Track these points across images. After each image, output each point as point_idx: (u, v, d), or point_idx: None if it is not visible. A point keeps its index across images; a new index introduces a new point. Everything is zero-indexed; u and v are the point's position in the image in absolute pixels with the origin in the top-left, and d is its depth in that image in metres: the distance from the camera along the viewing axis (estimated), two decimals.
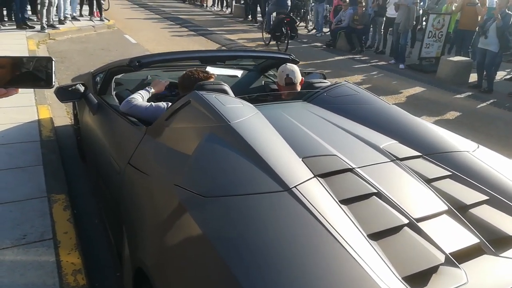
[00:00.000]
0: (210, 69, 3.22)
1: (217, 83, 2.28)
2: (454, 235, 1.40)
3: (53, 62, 0.90)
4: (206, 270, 1.27)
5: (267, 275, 1.17)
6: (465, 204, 1.54)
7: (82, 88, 3.00)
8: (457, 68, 8.01)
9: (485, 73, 7.49)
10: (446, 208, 1.50)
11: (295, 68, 2.63)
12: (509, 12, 7.10)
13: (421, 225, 1.40)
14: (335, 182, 1.53)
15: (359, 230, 1.32)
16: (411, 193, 1.58)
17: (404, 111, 2.21)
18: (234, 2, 17.14)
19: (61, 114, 4.79)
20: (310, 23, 14.11)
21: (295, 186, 1.46)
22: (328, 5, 12.94)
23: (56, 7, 9.56)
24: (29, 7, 9.86)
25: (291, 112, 2.15)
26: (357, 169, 1.62)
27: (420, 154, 1.83)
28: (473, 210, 1.53)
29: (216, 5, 19.19)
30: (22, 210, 2.73)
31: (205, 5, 19.92)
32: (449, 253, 1.30)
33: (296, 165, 1.58)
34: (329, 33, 11.84)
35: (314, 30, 13.29)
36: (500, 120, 6.05)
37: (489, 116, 6.21)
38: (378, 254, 1.24)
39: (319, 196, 1.44)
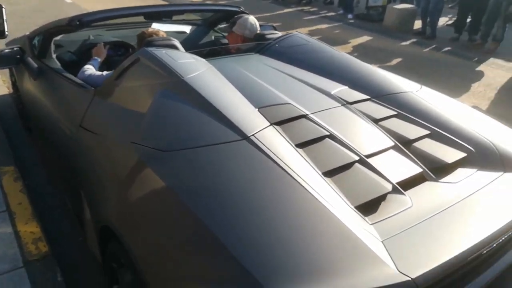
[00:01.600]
0: (156, 26, 3.15)
1: (167, 39, 2.23)
2: (399, 167, 1.55)
3: (3, 9, 0.83)
4: (175, 220, 1.32)
5: (236, 219, 1.23)
6: (409, 139, 1.70)
7: (19, 53, 2.80)
8: (402, 16, 8.19)
9: (428, 19, 7.72)
10: (392, 144, 1.66)
11: (257, 22, 2.65)
12: None
13: (370, 160, 1.54)
14: (290, 128, 1.62)
15: (315, 169, 1.43)
16: (361, 132, 1.71)
17: (354, 58, 2.32)
18: None
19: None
20: None
21: (253, 135, 1.52)
22: None
23: None
24: None
25: (244, 65, 2.19)
26: (310, 115, 1.73)
27: (368, 97, 1.97)
28: (416, 144, 1.69)
29: None
30: None
31: None
32: (395, 183, 1.45)
33: (252, 115, 1.64)
34: None
35: None
36: (442, 64, 6.34)
37: (432, 61, 6.48)
38: (333, 189, 1.37)
39: (276, 142, 1.51)
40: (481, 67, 6.18)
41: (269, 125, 1.59)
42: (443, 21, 8.74)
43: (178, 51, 2.11)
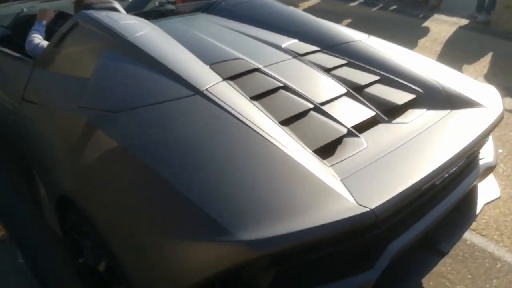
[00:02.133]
0: None
1: (106, 1, 2.16)
2: (353, 112, 1.61)
3: None
4: (133, 178, 1.30)
5: (195, 170, 1.23)
6: (360, 85, 1.76)
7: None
8: None
9: None
10: (344, 90, 1.72)
11: None
12: None
13: (324, 107, 1.59)
14: (243, 82, 1.63)
15: (271, 119, 1.46)
16: (313, 82, 1.76)
17: (301, 11, 2.33)
18: None
19: None
20: None
21: (206, 89, 1.51)
22: None
23: None
24: None
25: (191, 24, 2.17)
26: (263, 68, 1.75)
27: (318, 48, 2.02)
28: (368, 89, 1.76)
29: None
30: None
31: None
32: (350, 127, 1.50)
33: (203, 71, 1.64)
34: None
35: None
36: (389, 22, 6.48)
37: (380, 19, 6.61)
38: (290, 136, 1.40)
39: (230, 95, 1.51)
40: (426, 23, 6.37)
41: (222, 80, 1.59)
42: None
43: (119, 13, 2.04)
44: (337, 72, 1.84)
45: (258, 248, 1.01)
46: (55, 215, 1.73)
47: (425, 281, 1.96)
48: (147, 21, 1.96)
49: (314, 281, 1.20)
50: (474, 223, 2.12)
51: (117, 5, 2.13)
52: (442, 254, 1.53)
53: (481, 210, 1.76)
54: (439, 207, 1.46)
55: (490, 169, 1.76)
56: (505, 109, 1.78)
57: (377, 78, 1.84)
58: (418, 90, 1.77)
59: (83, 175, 1.48)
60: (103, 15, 1.87)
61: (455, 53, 5.15)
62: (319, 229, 1.06)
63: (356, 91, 1.72)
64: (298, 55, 1.91)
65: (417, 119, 1.62)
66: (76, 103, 1.57)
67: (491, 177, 1.94)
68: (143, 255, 1.23)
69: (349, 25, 6.15)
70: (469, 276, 2.01)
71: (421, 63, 2.03)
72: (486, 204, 1.80)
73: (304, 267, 1.20)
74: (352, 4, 7.53)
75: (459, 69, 4.36)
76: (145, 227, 1.22)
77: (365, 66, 1.91)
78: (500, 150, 3.10)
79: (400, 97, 1.72)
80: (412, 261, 1.45)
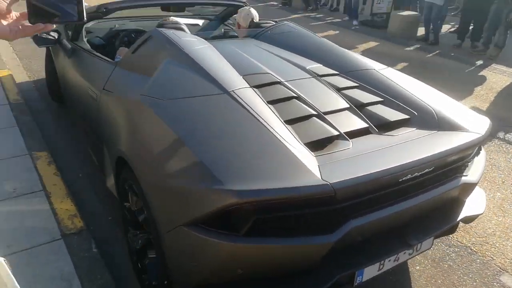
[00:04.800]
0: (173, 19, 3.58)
1: (175, 22, 2.73)
2: (350, 122, 1.93)
3: None
4: (167, 144, 1.75)
5: (208, 141, 1.68)
6: (363, 103, 2.08)
7: (55, 35, 3.29)
8: (405, 23, 8.44)
9: (431, 26, 7.95)
10: (347, 106, 2.05)
11: (257, 13, 3.19)
12: None
13: (326, 116, 1.92)
14: (265, 90, 2.04)
15: (278, 117, 1.83)
16: (323, 97, 2.10)
17: (332, 43, 2.75)
18: None
19: (23, 79, 4.71)
20: None
21: (232, 90, 1.95)
22: None
23: None
24: None
25: (238, 46, 2.64)
26: (284, 82, 2.15)
27: (337, 72, 2.37)
28: (369, 107, 2.06)
29: None
30: (6, 167, 2.82)
31: None
32: (343, 132, 1.82)
33: (236, 78, 2.07)
34: None
35: None
36: (445, 68, 6.56)
37: (435, 66, 6.71)
38: (289, 130, 1.76)
39: (250, 98, 1.92)
40: (483, 72, 6.39)
41: (249, 87, 2.01)
42: (446, 28, 8.99)
43: (184, 32, 2.57)
44: (346, 91, 2.16)
45: (240, 196, 1.41)
46: (113, 176, 2.24)
47: None
48: (204, 40, 2.45)
49: (282, 233, 1.53)
50: None
51: (183, 26, 2.66)
52: (407, 245, 1.79)
53: (459, 221, 1.99)
54: (406, 202, 1.73)
55: (470, 185, 1.98)
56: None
57: (380, 99, 2.15)
58: (413, 112, 2.06)
59: (134, 140, 1.98)
60: (170, 32, 2.41)
61: (511, 104, 5.13)
62: (286, 190, 1.44)
63: (358, 107, 2.04)
64: (317, 75, 2.28)
65: (404, 134, 1.90)
66: (139, 92, 2.06)
67: (479, 195, 2.20)
68: (162, 197, 1.68)
69: (403, 69, 6.31)
70: None
71: (424, 91, 2.32)
72: (468, 217, 2.03)
73: (276, 222, 1.52)
74: (407, 48, 7.69)
75: None
76: (166, 177, 1.66)
77: (373, 89, 2.23)
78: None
79: (394, 115, 2.01)
80: (379, 245, 1.76)
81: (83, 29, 3.40)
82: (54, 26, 1.02)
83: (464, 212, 2.01)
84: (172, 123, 1.78)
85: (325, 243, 1.54)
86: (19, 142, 3.15)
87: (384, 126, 1.93)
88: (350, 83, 2.26)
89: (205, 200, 1.48)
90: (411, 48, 7.73)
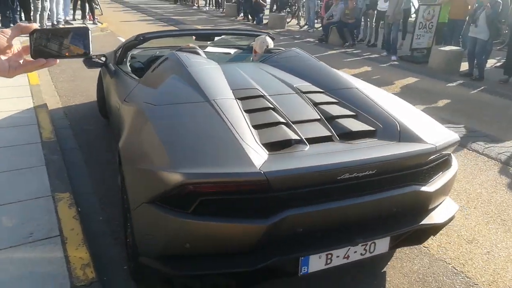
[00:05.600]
0: (209, 49, 4.39)
1: (192, 47, 3.21)
2: (315, 130, 2.12)
3: (89, 31, 0.95)
4: (148, 137, 2.16)
5: (180, 142, 2.00)
6: (334, 116, 2.28)
7: (103, 59, 3.85)
8: (448, 58, 8.12)
9: (476, 61, 7.59)
10: (318, 117, 2.26)
11: (272, 41, 3.62)
12: (499, 0, 7.20)
13: (294, 125, 2.13)
14: (247, 102, 2.32)
15: (247, 122, 2.09)
16: (298, 109, 2.34)
17: (329, 67, 2.96)
18: (225, 1, 17.17)
19: (59, 117, 4.84)
20: (302, 20, 14.17)
21: (213, 99, 2.27)
22: (319, 1, 13.02)
23: (49, 11, 9.59)
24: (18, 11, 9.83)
25: (243, 67, 3.00)
26: (267, 96, 2.41)
27: (322, 90, 2.59)
28: (339, 120, 2.25)
29: (208, 5, 19.22)
30: (27, 209, 2.79)
31: (196, 5, 19.94)
32: (304, 138, 2.03)
33: (223, 91, 2.40)
34: (321, 28, 11.93)
35: (306, 26, 13.37)
36: (491, 106, 6.16)
37: (481, 103, 6.31)
38: (252, 133, 2.02)
39: (228, 106, 2.22)
40: None
41: (232, 98, 2.33)
42: (491, 63, 8.56)
43: (197, 55, 3.01)
44: (323, 106, 2.39)
45: (186, 177, 1.72)
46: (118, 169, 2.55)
47: None
48: (214, 62, 2.90)
49: (221, 214, 1.78)
50: None
51: (198, 50, 3.17)
52: (352, 242, 1.90)
53: (418, 228, 2.12)
54: (349, 200, 1.89)
55: (425, 194, 2.08)
56: None
57: (352, 114, 2.36)
58: (379, 125, 2.25)
59: (127, 136, 2.43)
60: (183, 55, 2.87)
61: None
62: (224, 175, 1.75)
63: (328, 119, 2.25)
64: (300, 92, 2.53)
65: (362, 143, 2.08)
66: (144, 101, 2.52)
67: (449, 207, 2.33)
68: (134, 178, 2.13)
69: (445, 106, 5.97)
70: None
71: (397, 106, 2.53)
72: (428, 225, 2.14)
73: (220, 203, 1.79)
74: (450, 84, 7.33)
75: None
76: (138, 162, 2.09)
77: (350, 105, 2.43)
78: None
79: (359, 127, 2.20)
80: (323, 238, 1.93)
81: (128, 55, 4.05)
82: (57, 61, 0.94)
83: (424, 220, 2.12)
84: (154, 121, 2.20)
85: (259, 226, 1.77)
86: (45, 182, 3.15)
87: (347, 136, 2.13)
88: (329, 99, 2.49)
89: (161, 181, 1.79)
90: (454, 84, 7.37)
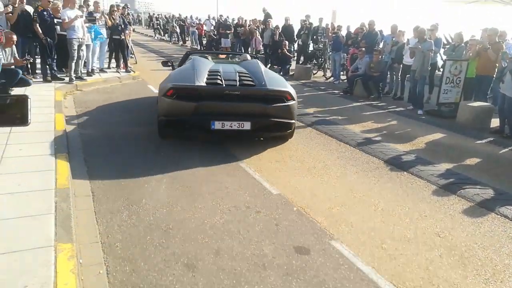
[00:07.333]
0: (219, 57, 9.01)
1: (205, 52, 10.00)
2: (229, 82, 5.73)
3: (29, 100, 0.91)
4: (168, 77, 6.14)
5: (176, 77, 5.98)
6: (241, 78, 5.90)
7: (171, 63, 7.81)
8: (477, 114, 7.89)
9: (506, 119, 7.32)
10: (236, 79, 5.84)
11: (249, 56, 8.32)
12: None
13: (224, 81, 5.74)
14: (211, 73, 5.95)
15: (204, 76, 5.82)
16: (229, 74, 6.00)
17: (258, 64, 6.77)
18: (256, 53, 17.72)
19: (79, 163, 4.91)
20: (328, 71, 14.34)
21: (196, 69, 6.04)
22: (345, 54, 13.19)
23: (85, 60, 10.12)
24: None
25: (223, 63, 7.18)
26: (221, 72, 5.98)
27: (246, 71, 6.28)
28: (242, 77, 5.94)
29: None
30: (26, 260, 2.74)
31: None
32: (224, 83, 5.72)
33: (203, 69, 6.03)
34: (346, 80, 12.00)
35: (331, 78, 13.49)
36: None
37: (508, 162, 5.99)
38: (203, 78, 5.76)
39: (201, 71, 5.91)
40: None
41: (206, 70, 6.00)
42: None
43: (205, 58, 7.10)
44: (241, 74, 5.99)
45: (172, 85, 5.50)
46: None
47: None
48: (211, 60, 7.27)
49: (182, 99, 5.38)
50: None
51: (208, 55, 7.83)
52: (233, 120, 5.48)
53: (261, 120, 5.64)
54: (229, 103, 5.53)
55: (265, 107, 5.56)
56: None
57: (250, 78, 5.91)
58: (257, 81, 5.81)
59: (162, 81, 6.05)
60: (197, 56, 7.41)
61: None
62: (185, 85, 5.54)
63: (239, 79, 5.79)
64: (236, 71, 6.09)
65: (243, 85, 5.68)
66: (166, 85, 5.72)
67: (277, 119, 5.76)
68: (159, 88, 5.92)
69: (474, 165, 5.70)
70: None
71: (272, 76, 6.26)
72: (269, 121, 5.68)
73: (182, 95, 5.41)
74: (479, 141, 7.05)
75: None
76: (162, 83, 5.92)
77: (250, 76, 6.01)
78: None
79: (247, 81, 5.76)
80: (222, 115, 5.49)
81: (188, 59, 7.72)
82: None
83: (265, 119, 5.55)
84: (171, 72, 6.54)
85: (193, 104, 5.31)
86: (50, 231, 3.11)
87: (242, 84, 5.63)
88: (246, 73, 6.02)
89: (166, 87, 5.52)
90: (483, 141, 7.09)
